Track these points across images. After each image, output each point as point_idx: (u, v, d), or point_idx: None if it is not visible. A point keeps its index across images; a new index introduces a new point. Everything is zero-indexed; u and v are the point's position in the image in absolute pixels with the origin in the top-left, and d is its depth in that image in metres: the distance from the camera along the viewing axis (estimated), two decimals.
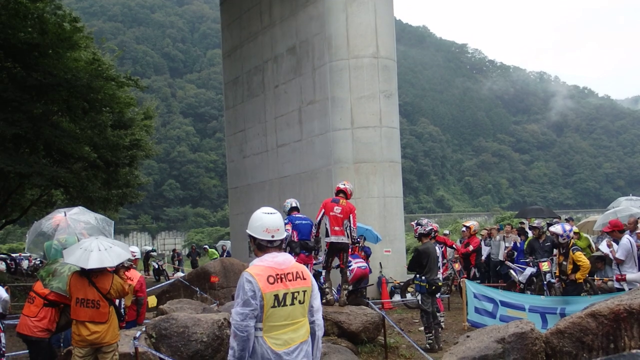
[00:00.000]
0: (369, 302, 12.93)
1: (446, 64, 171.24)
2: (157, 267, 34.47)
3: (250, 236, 4.97)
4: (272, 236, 4.91)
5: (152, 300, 13.34)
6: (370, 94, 20.84)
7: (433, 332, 11.75)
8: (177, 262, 38.80)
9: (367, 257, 16.79)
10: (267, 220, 4.94)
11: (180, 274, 27.05)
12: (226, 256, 27.52)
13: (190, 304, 12.42)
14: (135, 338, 8.17)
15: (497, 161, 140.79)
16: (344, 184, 11.77)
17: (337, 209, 11.22)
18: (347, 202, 11.40)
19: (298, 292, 4.81)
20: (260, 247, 4.93)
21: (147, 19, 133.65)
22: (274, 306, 4.66)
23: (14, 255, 35.02)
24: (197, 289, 16.35)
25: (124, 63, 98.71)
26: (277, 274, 4.73)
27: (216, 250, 33.76)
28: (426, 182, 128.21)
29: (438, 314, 12.29)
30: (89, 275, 7.71)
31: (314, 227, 11.47)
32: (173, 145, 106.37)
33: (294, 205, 12.43)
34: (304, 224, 11.58)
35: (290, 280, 4.77)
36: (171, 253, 44.13)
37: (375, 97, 20.84)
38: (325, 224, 11.29)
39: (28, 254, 32.27)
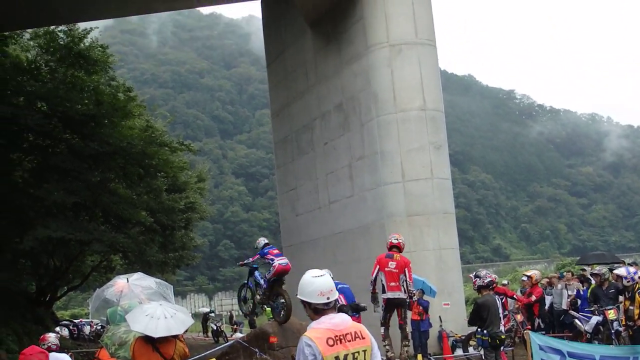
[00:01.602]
0: (431, 357, 12.76)
1: (494, 110, 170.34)
2: (215, 328, 34.55)
3: (304, 302, 4.92)
4: (327, 298, 4.84)
5: None
6: (419, 146, 20.84)
7: None
8: (235, 323, 38.83)
9: (425, 311, 16.61)
10: (319, 284, 4.89)
11: (239, 335, 27.08)
12: None
13: None
14: None
15: (554, 206, 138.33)
16: (396, 239, 11.87)
17: (392, 264, 11.29)
18: (401, 256, 11.50)
19: (358, 352, 4.74)
20: (317, 310, 4.84)
21: (196, 83, 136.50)
22: None
23: (75, 321, 35.51)
24: (257, 349, 16.30)
25: (175, 128, 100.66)
26: (336, 336, 4.68)
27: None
28: (481, 231, 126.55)
29: None
30: (153, 342, 7.79)
31: (370, 284, 11.39)
32: (226, 206, 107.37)
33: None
34: (345, 287, 11.89)
35: (349, 341, 4.71)
36: (228, 314, 44.23)
37: (424, 149, 20.83)
38: (381, 280, 11.30)
39: (90, 320, 32.73)
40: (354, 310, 11.33)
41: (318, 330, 4.70)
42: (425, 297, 17.16)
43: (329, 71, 24.24)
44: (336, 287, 11.43)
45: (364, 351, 4.78)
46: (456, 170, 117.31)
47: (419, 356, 14.84)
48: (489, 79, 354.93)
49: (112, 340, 8.46)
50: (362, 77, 22.18)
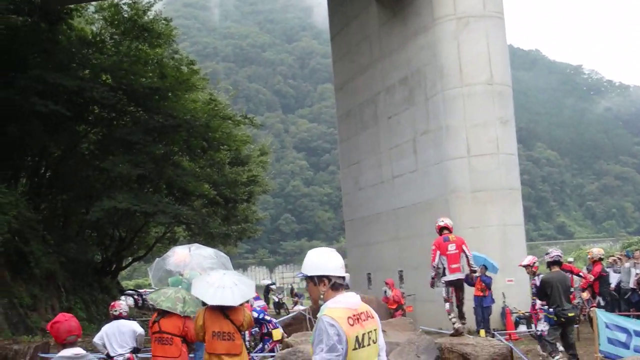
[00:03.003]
0: (495, 333, 12.65)
1: (560, 86, 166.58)
2: (277, 300, 34.84)
3: (321, 278, 4.62)
4: (344, 272, 4.67)
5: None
6: (485, 121, 20.52)
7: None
8: (296, 295, 39.12)
9: (487, 287, 16.40)
10: (336, 257, 4.70)
11: (300, 307, 27.20)
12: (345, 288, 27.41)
13: None
14: None
15: (621, 184, 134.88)
16: (443, 221, 11.85)
17: (452, 246, 11.30)
18: (456, 236, 11.50)
19: (371, 331, 4.61)
20: (336, 286, 4.61)
21: (258, 57, 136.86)
22: (355, 348, 4.42)
23: (140, 290, 36.21)
24: None
25: (237, 102, 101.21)
26: (354, 315, 4.51)
27: None
28: (545, 208, 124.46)
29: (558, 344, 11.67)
30: (223, 309, 7.85)
31: (431, 270, 11.45)
32: (287, 180, 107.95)
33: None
34: None
35: (364, 320, 4.56)
36: (289, 286, 44.55)
37: (490, 124, 20.51)
38: (443, 264, 11.30)
39: (153, 290, 33.32)
40: None
41: (337, 310, 4.47)
42: (488, 274, 16.92)
43: (394, 44, 23.95)
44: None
45: (375, 330, 4.64)
46: (520, 147, 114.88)
47: (482, 331, 14.82)
48: (556, 53, 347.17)
49: (157, 294, 8.53)
50: (427, 50, 21.86)
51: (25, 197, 21.84)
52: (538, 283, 12.13)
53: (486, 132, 20.51)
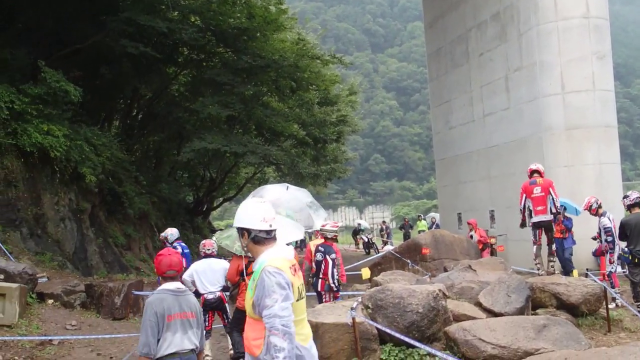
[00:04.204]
0: (588, 272, 12.53)
1: None
2: (366, 240, 35.04)
3: (242, 230, 4.47)
4: (270, 225, 4.46)
5: (365, 272, 13.56)
6: (581, 56, 19.78)
7: None
8: (385, 236, 39.23)
9: (567, 229, 15.98)
10: (262, 208, 4.49)
11: (389, 247, 27.27)
12: (435, 228, 27.36)
13: (404, 276, 12.46)
14: (352, 309, 8.27)
15: None
16: (536, 165, 12.23)
17: (537, 189, 11.75)
18: (543, 179, 11.88)
19: (302, 284, 4.51)
20: (258, 240, 4.42)
21: None
22: (297, 299, 4.33)
23: None
24: (409, 261, 16.40)
25: (326, 42, 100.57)
26: (293, 265, 4.38)
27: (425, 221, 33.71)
28: None
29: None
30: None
31: (519, 213, 12.08)
32: (377, 120, 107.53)
33: (178, 235, 13.85)
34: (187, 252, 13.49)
35: (298, 272, 4.45)
36: (379, 226, 44.65)
37: (586, 60, 19.76)
38: (529, 207, 11.84)
39: None
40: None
41: (278, 260, 4.29)
42: (567, 214, 16.42)
43: None
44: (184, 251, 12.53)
45: (303, 284, 4.52)
46: (618, 84, 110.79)
47: (575, 272, 14.64)
48: None
49: (222, 234, 8.64)
50: None
51: (118, 139, 22.42)
52: (604, 224, 12.49)
53: (582, 67, 19.80)
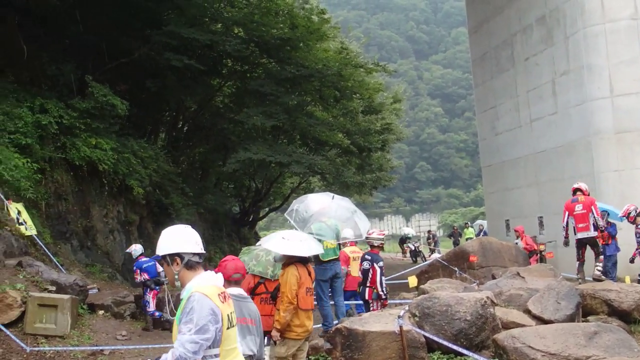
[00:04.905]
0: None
1: None
2: (413, 248, 34.83)
3: (173, 256, 4.35)
4: (201, 248, 4.40)
5: (412, 280, 13.48)
6: (630, 58, 19.38)
7: None
8: (432, 244, 38.93)
9: (611, 237, 15.62)
10: (192, 231, 4.45)
11: (436, 255, 27.06)
12: (483, 235, 27.06)
13: (451, 283, 12.37)
14: (399, 317, 8.21)
15: None
16: (578, 184, 12.72)
17: (579, 207, 12.18)
18: (585, 197, 12.35)
19: (232, 312, 4.36)
20: (191, 265, 4.29)
21: (389, 4, 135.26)
22: (227, 327, 4.17)
23: None
24: (456, 268, 16.25)
25: (369, 50, 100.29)
26: (222, 293, 4.25)
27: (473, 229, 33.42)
28: None
29: None
30: (305, 264, 7.79)
31: (562, 230, 12.65)
32: (422, 128, 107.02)
33: (142, 251, 14.35)
34: (150, 265, 13.78)
35: (228, 299, 4.33)
36: (426, 234, 44.36)
37: (636, 62, 19.36)
38: (572, 224, 12.31)
39: None
40: (156, 284, 13.69)
41: (208, 287, 4.17)
42: (612, 220, 16.06)
43: None
44: (143, 266, 13.61)
45: (233, 312, 4.37)
46: None
47: (627, 278, 14.62)
48: None
49: (249, 256, 8.57)
50: None
51: (164, 151, 22.71)
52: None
53: (631, 70, 19.38)
